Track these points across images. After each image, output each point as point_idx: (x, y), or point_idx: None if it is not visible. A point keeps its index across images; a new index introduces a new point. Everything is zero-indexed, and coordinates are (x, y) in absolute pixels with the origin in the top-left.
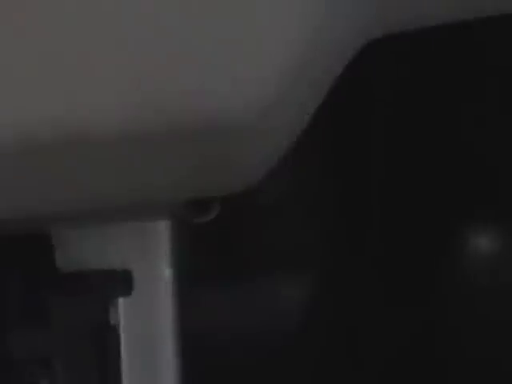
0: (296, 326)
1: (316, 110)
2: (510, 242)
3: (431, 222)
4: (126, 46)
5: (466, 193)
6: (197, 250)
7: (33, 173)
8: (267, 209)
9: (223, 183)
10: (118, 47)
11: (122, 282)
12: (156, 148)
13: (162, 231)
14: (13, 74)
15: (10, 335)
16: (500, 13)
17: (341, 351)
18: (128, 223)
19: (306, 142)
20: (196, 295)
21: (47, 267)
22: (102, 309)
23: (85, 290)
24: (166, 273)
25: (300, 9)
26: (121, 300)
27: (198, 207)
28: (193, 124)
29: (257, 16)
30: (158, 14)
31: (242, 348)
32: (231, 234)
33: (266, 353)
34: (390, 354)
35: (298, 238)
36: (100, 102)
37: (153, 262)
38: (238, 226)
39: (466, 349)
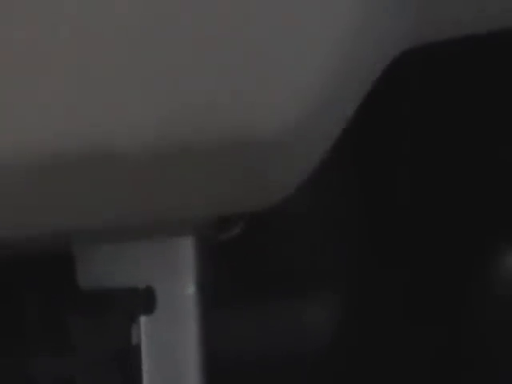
0: (322, 346)
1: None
2: None
3: (460, 239)
4: (157, 59)
5: (497, 209)
6: (221, 268)
7: (57, 188)
8: (294, 227)
9: (252, 199)
10: (148, 61)
11: (144, 299)
12: (186, 164)
13: (185, 248)
14: (39, 88)
15: (33, 358)
16: None
17: (367, 373)
18: (151, 241)
19: (331, 156)
20: (220, 314)
21: (68, 286)
22: (124, 328)
23: (107, 309)
24: (190, 291)
25: (336, 22)
26: (143, 318)
27: (223, 223)
28: (225, 139)
29: (294, 30)
30: (191, 27)
31: (267, 368)
32: (256, 252)
33: (292, 374)
34: (417, 375)
35: (324, 257)
36: (128, 116)
37: (176, 279)
38: (263, 244)
39: (493, 368)
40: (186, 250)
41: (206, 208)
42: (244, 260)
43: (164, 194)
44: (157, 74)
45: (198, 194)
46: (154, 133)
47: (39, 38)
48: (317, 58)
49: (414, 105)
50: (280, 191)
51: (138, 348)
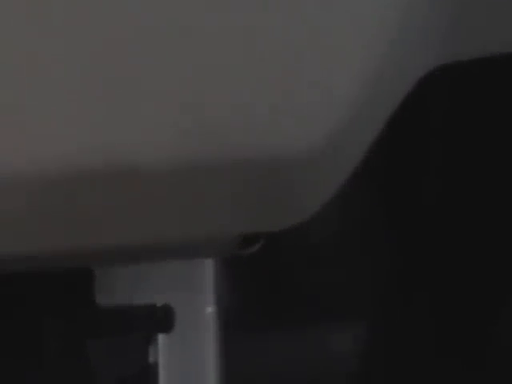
0: (346, 373)
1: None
2: None
3: (489, 263)
4: (186, 75)
5: None
6: (242, 288)
7: (80, 204)
8: (320, 252)
9: (277, 218)
10: (177, 76)
11: (162, 318)
12: (210, 182)
13: (206, 268)
14: (63, 103)
15: (50, 377)
16: None
17: None
18: (172, 260)
19: (358, 178)
20: (239, 335)
21: (87, 304)
22: (142, 346)
23: (124, 327)
24: (209, 310)
25: (363, 43)
26: (161, 337)
27: (244, 240)
28: (251, 158)
29: (322, 50)
30: (218, 40)
31: None
32: (278, 272)
33: None
34: None
35: (350, 283)
36: (154, 132)
37: (196, 298)
38: (285, 265)
39: None
40: (206, 270)
41: (231, 227)
42: (269, 283)
43: (188, 212)
44: (182, 90)
45: (221, 213)
46: (179, 151)
47: (61, 53)
48: (344, 78)
49: (443, 122)
50: (304, 211)
51: (155, 366)
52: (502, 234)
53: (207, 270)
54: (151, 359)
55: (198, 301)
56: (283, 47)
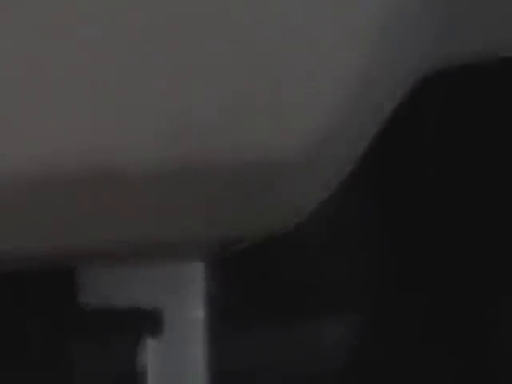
0: (337, 368)
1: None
2: None
3: (484, 264)
4: (171, 77)
5: None
6: (232, 290)
7: (59, 206)
8: (311, 247)
9: (264, 223)
10: (157, 79)
11: (151, 321)
12: (193, 186)
13: (195, 269)
14: (47, 104)
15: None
16: None
17: None
18: (159, 262)
19: (353, 178)
20: (230, 338)
21: (72, 305)
22: (130, 350)
23: (112, 331)
24: (199, 313)
25: (353, 45)
26: (149, 341)
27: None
28: (238, 161)
29: (309, 51)
30: (204, 46)
31: None
32: (269, 274)
33: None
34: None
35: (342, 277)
36: (137, 135)
37: (185, 301)
38: (276, 266)
39: None
40: (195, 271)
41: (214, 230)
42: (257, 279)
43: (174, 215)
44: (166, 92)
45: (207, 216)
46: (161, 153)
47: (46, 54)
48: (333, 80)
49: (438, 127)
50: (293, 215)
51: (143, 372)
52: (496, 235)
53: (196, 271)
54: (139, 363)
55: (186, 303)
56: (270, 49)
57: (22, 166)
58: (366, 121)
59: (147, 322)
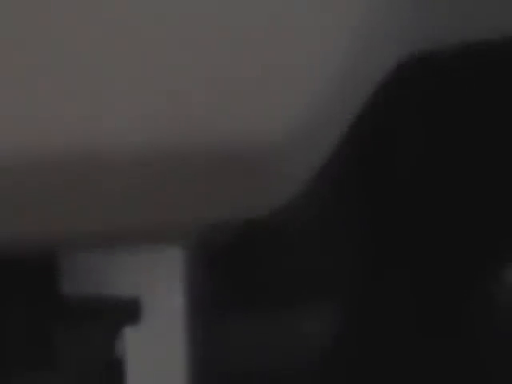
0: (320, 358)
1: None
2: None
3: (464, 252)
4: (147, 66)
5: (503, 218)
6: (212, 278)
7: (39, 191)
8: (291, 237)
9: (243, 207)
10: (143, 64)
11: (130, 310)
12: (177, 170)
13: (174, 258)
14: (28, 89)
15: (13, 370)
16: None
17: None
18: (139, 249)
19: (330, 167)
20: (210, 327)
21: (52, 293)
22: (108, 339)
23: (90, 319)
24: (178, 303)
25: (335, 28)
26: (128, 330)
27: (217, 229)
28: (219, 145)
29: (292, 38)
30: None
31: (263, 382)
32: (249, 262)
33: None
34: None
35: (323, 269)
36: (115, 123)
37: (164, 290)
38: (256, 255)
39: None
40: (175, 260)
41: (195, 215)
42: (239, 271)
43: (152, 200)
44: (153, 78)
45: (190, 200)
46: (146, 138)
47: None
48: (315, 63)
49: (418, 111)
50: (271, 200)
51: (122, 361)
52: (474, 220)
53: (176, 260)
54: (118, 352)
55: (166, 291)
56: (257, 36)
57: (5, 152)
58: (347, 106)
59: (126, 309)
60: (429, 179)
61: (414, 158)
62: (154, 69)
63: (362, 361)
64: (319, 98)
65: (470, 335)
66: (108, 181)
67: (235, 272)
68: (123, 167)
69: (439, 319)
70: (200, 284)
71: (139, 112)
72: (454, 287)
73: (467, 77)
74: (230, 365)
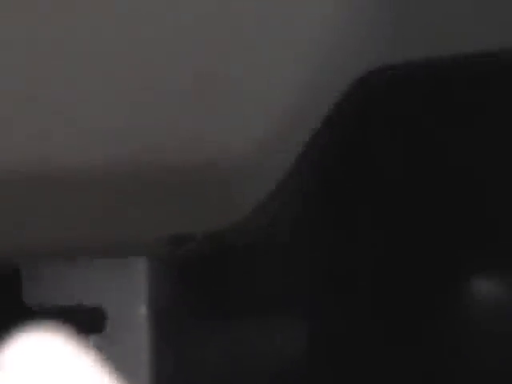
0: (285, 372)
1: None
2: None
3: (432, 260)
4: (119, 77)
5: (468, 233)
6: (175, 287)
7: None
8: (254, 243)
9: (212, 220)
10: (110, 79)
11: (93, 319)
12: (139, 182)
13: (138, 268)
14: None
15: None
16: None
17: None
18: (103, 259)
19: (298, 174)
20: (174, 337)
21: (15, 303)
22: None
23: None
24: (142, 311)
25: (303, 41)
26: (92, 339)
27: (177, 240)
28: (184, 161)
29: (257, 57)
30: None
31: None
32: (214, 271)
33: None
34: None
35: (288, 281)
36: (83, 137)
37: (127, 299)
38: (221, 263)
39: None
40: (138, 270)
41: (161, 228)
42: (202, 280)
43: (117, 214)
44: (113, 92)
45: (150, 214)
46: (109, 153)
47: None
48: (277, 83)
49: (380, 126)
50: (232, 214)
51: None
52: (445, 228)
53: (139, 270)
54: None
55: (130, 301)
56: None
57: None
58: (311, 117)
59: (90, 319)
60: (397, 188)
61: (380, 165)
62: (119, 81)
63: (330, 373)
64: (286, 113)
65: (434, 342)
66: (74, 195)
67: (198, 282)
68: (88, 182)
69: (405, 326)
70: (164, 295)
71: (103, 126)
72: (421, 296)
73: (437, 89)
74: (194, 376)
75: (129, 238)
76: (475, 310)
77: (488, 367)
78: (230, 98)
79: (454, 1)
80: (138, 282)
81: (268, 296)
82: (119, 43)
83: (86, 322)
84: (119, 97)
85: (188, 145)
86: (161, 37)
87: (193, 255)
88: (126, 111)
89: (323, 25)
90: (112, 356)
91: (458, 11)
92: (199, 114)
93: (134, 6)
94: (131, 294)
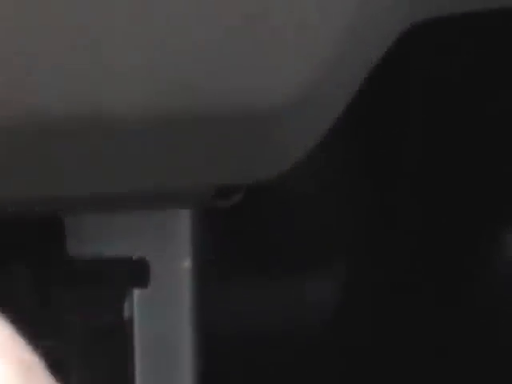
0: (324, 321)
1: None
2: None
3: (462, 222)
4: (154, 28)
5: (500, 191)
6: (219, 240)
7: (47, 153)
8: (295, 200)
9: (254, 170)
10: (144, 28)
11: (137, 272)
12: (183, 132)
13: (182, 220)
14: (30, 51)
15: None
16: None
17: (370, 348)
18: (146, 211)
19: (335, 131)
20: (218, 289)
21: (58, 254)
22: (116, 301)
23: (97, 280)
24: (186, 264)
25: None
26: (136, 292)
27: (222, 192)
28: (223, 109)
29: (297, 5)
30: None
31: (266, 347)
32: (256, 224)
33: (293, 350)
34: (418, 352)
35: (326, 229)
36: (127, 85)
37: (172, 252)
38: (263, 216)
39: (493, 350)
40: (182, 222)
41: (205, 178)
42: (245, 233)
43: (161, 162)
44: (153, 40)
45: (196, 164)
46: (152, 101)
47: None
48: (318, 30)
49: (424, 81)
50: (281, 164)
51: (130, 323)
52: (474, 192)
53: (183, 222)
54: (126, 314)
55: (173, 254)
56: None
57: (8, 113)
58: (354, 70)
59: (134, 271)
60: (434, 145)
61: (419, 125)
62: (154, 33)
63: (362, 331)
64: (324, 63)
65: (470, 303)
66: (114, 143)
67: (240, 236)
68: (126, 131)
69: (440, 285)
70: (206, 247)
71: (140, 75)
72: (455, 252)
73: (475, 44)
74: (235, 327)
75: (173, 189)
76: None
77: None
78: (272, 42)
79: None
80: (181, 234)
81: (308, 249)
82: None
83: (130, 274)
84: (156, 44)
85: (227, 90)
86: None
87: (235, 208)
88: (155, 61)
89: None
90: (156, 308)
91: None
92: (227, 66)
93: None
94: (175, 247)
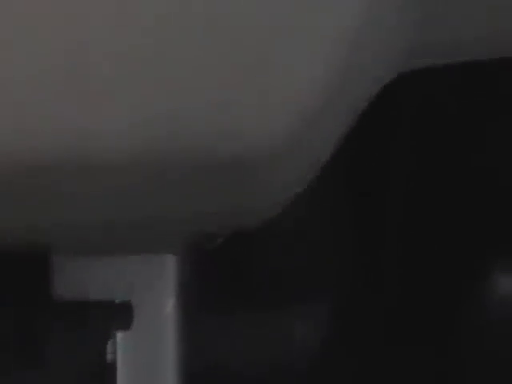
0: (308, 358)
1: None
2: None
3: (452, 259)
4: (150, 71)
5: (490, 230)
6: (203, 282)
7: (36, 189)
8: (282, 238)
9: (241, 218)
10: (141, 72)
11: (121, 314)
12: (172, 180)
13: (167, 262)
14: (21, 91)
15: (4, 371)
16: None
17: None
18: (132, 255)
19: (325, 171)
20: (202, 332)
21: (43, 294)
22: (99, 344)
23: (81, 323)
24: (169, 307)
25: (328, 41)
26: (119, 334)
27: (209, 237)
28: (213, 155)
29: (284, 45)
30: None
31: (252, 381)
32: (240, 264)
33: None
34: None
35: (312, 269)
36: (112, 127)
37: (156, 294)
38: (247, 257)
39: None
40: (167, 264)
41: (193, 226)
42: (230, 271)
43: (148, 211)
44: (147, 84)
45: (182, 214)
46: (141, 144)
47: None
48: (305, 80)
49: (408, 127)
50: (265, 212)
51: (113, 365)
52: (463, 229)
53: (168, 266)
54: (109, 356)
55: (157, 298)
56: (257, 46)
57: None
58: (339, 117)
59: (118, 314)
60: (421, 191)
61: (407, 168)
62: (148, 70)
63: (349, 365)
64: (313, 106)
65: (457, 342)
66: (100, 182)
67: (225, 278)
68: (115, 170)
69: (428, 324)
70: (191, 290)
71: (135, 114)
72: (444, 293)
73: (463, 92)
74: (218, 365)
75: (158, 235)
76: (494, 307)
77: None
78: (251, 88)
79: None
80: (166, 278)
81: (293, 284)
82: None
83: (114, 317)
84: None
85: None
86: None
87: (220, 250)
88: (149, 98)
89: None
90: (140, 350)
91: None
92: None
93: None
94: (159, 291)
